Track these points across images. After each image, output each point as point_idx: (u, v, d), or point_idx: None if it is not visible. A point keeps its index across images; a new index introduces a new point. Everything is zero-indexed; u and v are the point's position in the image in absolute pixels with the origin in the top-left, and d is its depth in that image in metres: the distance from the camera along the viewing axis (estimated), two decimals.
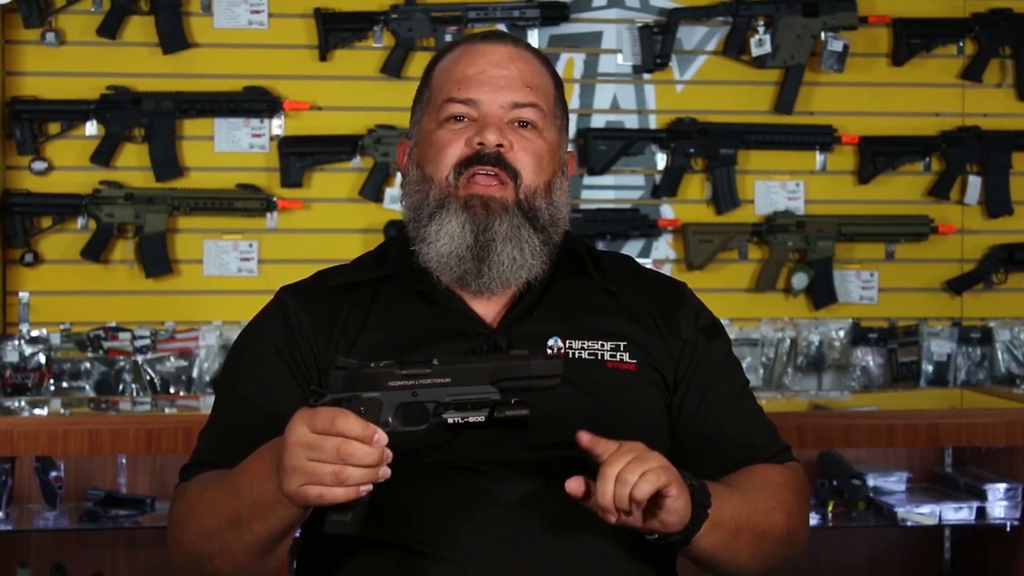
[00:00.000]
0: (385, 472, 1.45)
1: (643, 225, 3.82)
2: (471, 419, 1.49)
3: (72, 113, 3.66)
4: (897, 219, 3.91)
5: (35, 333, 3.65)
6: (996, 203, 3.95)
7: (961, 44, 3.96)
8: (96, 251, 3.66)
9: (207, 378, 3.66)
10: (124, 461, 3.26)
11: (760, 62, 3.88)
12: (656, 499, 1.52)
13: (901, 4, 3.93)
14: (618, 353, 1.73)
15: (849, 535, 3.49)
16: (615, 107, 3.89)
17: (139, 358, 3.66)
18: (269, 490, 1.50)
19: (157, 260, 3.67)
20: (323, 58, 3.75)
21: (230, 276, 3.73)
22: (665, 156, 3.87)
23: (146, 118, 3.66)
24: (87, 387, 3.64)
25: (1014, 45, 3.95)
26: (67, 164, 3.69)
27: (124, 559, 3.32)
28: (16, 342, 3.62)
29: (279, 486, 1.47)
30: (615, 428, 1.68)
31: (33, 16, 3.63)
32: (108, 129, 3.66)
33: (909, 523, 3.28)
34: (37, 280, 3.68)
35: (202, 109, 3.69)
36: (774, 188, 3.91)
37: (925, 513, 3.26)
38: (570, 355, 1.71)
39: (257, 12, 3.74)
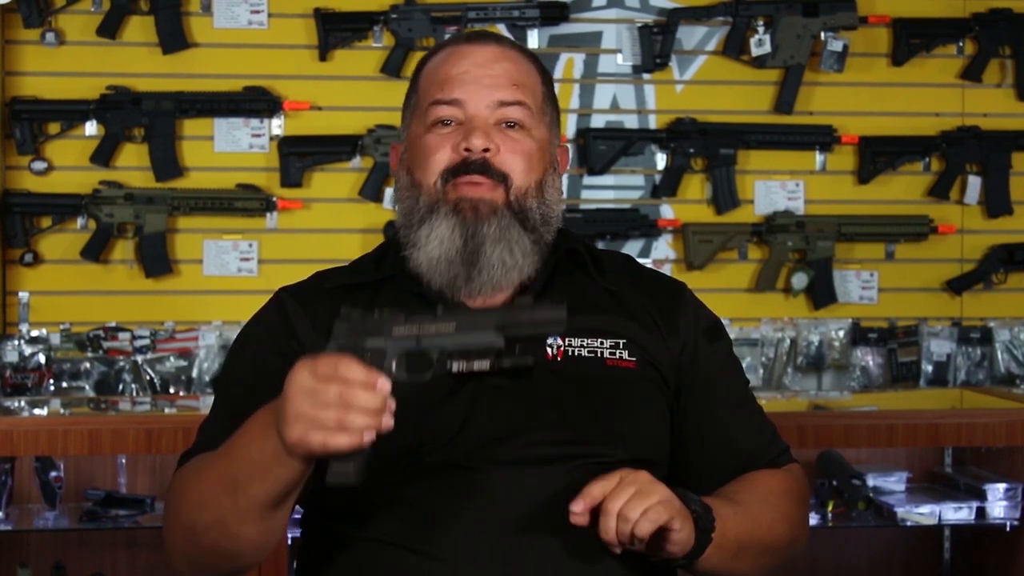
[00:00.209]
0: (388, 422, 1.42)
1: (643, 225, 3.82)
2: (476, 366, 1.46)
3: (72, 113, 3.66)
4: (897, 219, 3.91)
5: (35, 333, 3.65)
6: (996, 203, 3.95)
7: (961, 44, 3.96)
8: (96, 251, 3.66)
9: (207, 378, 3.66)
10: (124, 461, 3.26)
11: (760, 62, 3.88)
12: (660, 531, 1.53)
13: (901, 4, 3.93)
14: (617, 351, 1.72)
15: (849, 535, 3.49)
16: (615, 107, 3.89)
17: (139, 358, 3.66)
18: (267, 449, 1.46)
19: (157, 260, 3.67)
20: (323, 58, 3.75)
21: (230, 276, 3.73)
22: (665, 156, 3.87)
23: (146, 118, 3.66)
24: (87, 387, 3.64)
25: (1014, 45, 3.95)
26: (67, 164, 3.69)
27: (124, 559, 3.32)
28: (16, 342, 3.62)
29: (279, 441, 1.44)
30: (615, 426, 1.68)
31: (33, 16, 3.63)
32: (108, 129, 3.66)
33: (909, 523, 3.28)
34: (37, 280, 3.68)
35: (202, 109, 3.69)
36: (774, 188, 3.91)
37: (925, 513, 3.26)
38: (569, 353, 1.71)
39: (257, 12, 3.74)
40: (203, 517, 1.55)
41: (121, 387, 3.65)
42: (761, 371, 3.84)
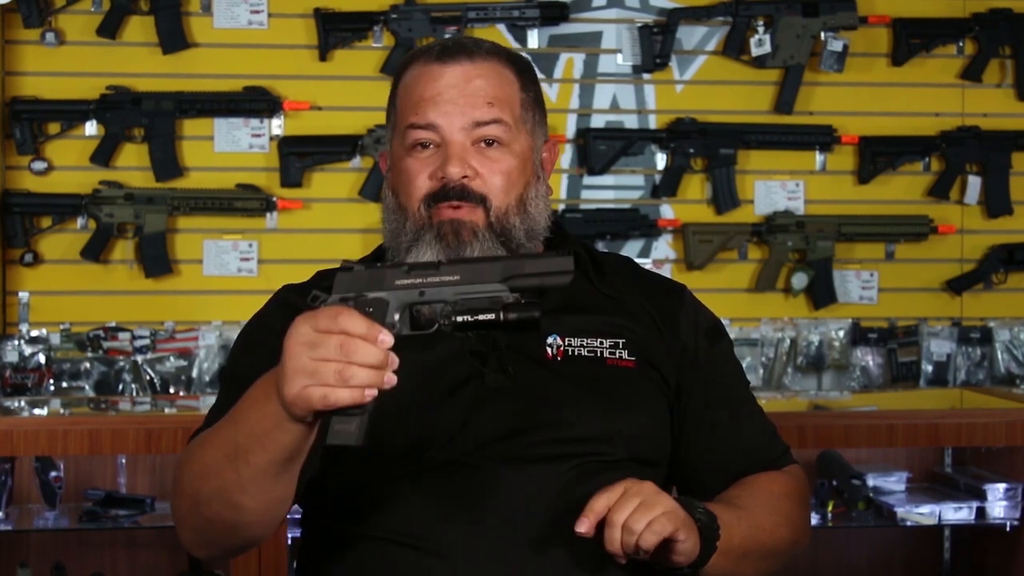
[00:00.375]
0: (391, 378, 1.38)
1: (643, 225, 3.82)
2: (480, 318, 1.42)
3: (72, 113, 3.66)
4: (897, 219, 3.91)
5: (35, 333, 3.65)
6: (996, 203, 3.95)
7: (961, 44, 3.96)
8: (96, 251, 3.66)
9: (207, 378, 3.66)
10: (124, 461, 3.26)
11: (760, 62, 3.88)
12: (665, 542, 1.53)
13: (901, 4, 3.93)
14: (617, 351, 1.73)
15: (849, 535, 3.49)
16: (615, 107, 3.88)
17: (139, 358, 3.66)
18: (269, 413, 1.44)
19: (157, 260, 3.67)
20: (323, 58, 3.75)
21: (230, 276, 3.73)
22: (665, 156, 3.87)
23: (146, 118, 3.66)
24: (87, 387, 3.64)
25: (1014, 45, 3.95)
26: (67, 164, 3.69)
27: (124, 559, 3.32)
28: (16, 342, 3.62)
29: (280, 406, 1.41)
30: (615, 426, 1.68)
31: (33, 16, 3.63)
32: (108, 129, 3.66)
33: (909, 523, 3.28)
34: (37, 280, 3.68)
35: (202, 109, 3.69)
36: (774, 188, 3.91)
37: (925, 513, 3.26)
38: (569, 352, 1.71)
39: (257, 12, 3.74)
40: (206, 487, 1.54)
41: (121, 387, 3.65)
42: (761, 371, 3.84)
